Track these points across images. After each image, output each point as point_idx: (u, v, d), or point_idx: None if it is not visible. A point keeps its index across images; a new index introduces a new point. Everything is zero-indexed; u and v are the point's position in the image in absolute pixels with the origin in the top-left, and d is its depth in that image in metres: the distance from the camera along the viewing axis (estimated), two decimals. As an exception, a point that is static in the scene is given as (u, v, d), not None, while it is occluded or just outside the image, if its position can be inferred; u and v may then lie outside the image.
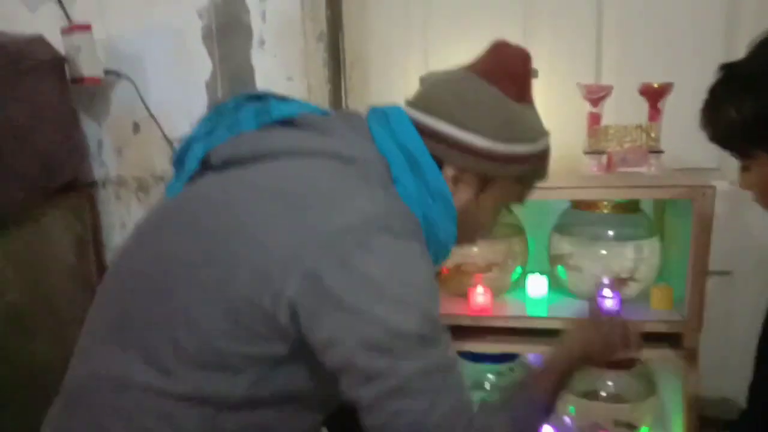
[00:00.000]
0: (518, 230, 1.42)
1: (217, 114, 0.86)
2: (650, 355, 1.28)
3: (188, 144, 0.85)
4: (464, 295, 1.36)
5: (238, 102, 0.86)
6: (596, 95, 1.32)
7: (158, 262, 0.78)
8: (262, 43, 1.58)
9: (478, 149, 0.82)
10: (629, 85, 1.31)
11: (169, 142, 1.66)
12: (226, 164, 0.81)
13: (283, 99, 0.88)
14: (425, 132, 0.83)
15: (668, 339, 1.24)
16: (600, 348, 0.97)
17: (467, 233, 0.90)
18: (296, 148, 0.80)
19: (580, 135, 1.36)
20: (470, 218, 0.87)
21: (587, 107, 1.34)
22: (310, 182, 0.76)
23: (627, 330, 0.99)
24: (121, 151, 1.72)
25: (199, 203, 0.80)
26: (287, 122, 0.83)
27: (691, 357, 1.21)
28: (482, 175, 0.84)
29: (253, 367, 0.75)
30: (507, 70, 0.83)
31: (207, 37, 1.61)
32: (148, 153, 1.70)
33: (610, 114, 1.36)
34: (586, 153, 1.34)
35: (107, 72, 1.62)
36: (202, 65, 1.63)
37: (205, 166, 0.83)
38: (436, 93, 0.85)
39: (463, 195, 0.85)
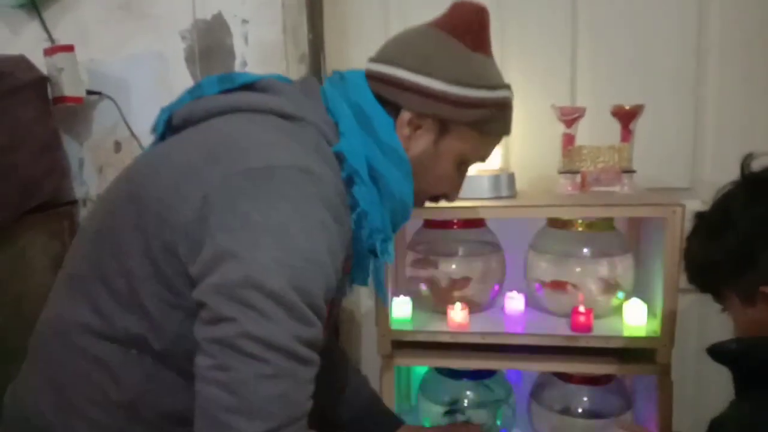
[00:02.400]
0: (495, 248, 1.44)
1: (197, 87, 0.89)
2: (625, 371, 1.30)
3: (162, 112, 0.88)
4: (443, 312, 1.38)
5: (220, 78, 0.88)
6: (570, 117, 1.35)
7: (104, 215, 0.81)
8: (244, 65, 1.61)
9: (433, 91, 0.83)
10: (602, 107, 1.35)
11: (150, 161, 1.67)
12: (185, 125, 0.83)
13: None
14: (381, 80, 0.85)
15: (642, 354, 1.27)
16: None
17: (427, 186, 0.90)
18: (242, 105, 0.81)
19: (555, 155, 1.40)
20: (429, 170, 0.88)
21: (561, 128, 1.37)
22: (234, 133, 0.77)
23: None
24: (102, 170, 1.72)
25: (144, 159, 0.83)
26: (248, 87, 0.84)
27: (665, 372, 1.24)
28: (440, 120, 0.85)
29: (178, 318, 0.74)
30: (464, 22, 0.86)
31: (190, 59, 1.63)
32: (130, 172, 1.70)
33: (584, 135, 1.39)
34: (561, 173, 1.38)
35: (89, 92, 1.63)
36: (185, 86, 1.60)
37: (172, 129, 0.85)
38: (393, 45, 0.88)
39: (420, 141, 0.86)
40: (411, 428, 1.18)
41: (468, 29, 0.86)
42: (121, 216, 0.77)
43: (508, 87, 0.90)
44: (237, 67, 1.60)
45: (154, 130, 0.89)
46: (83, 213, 1.74)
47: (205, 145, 0.76)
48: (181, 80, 1.63)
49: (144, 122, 1.67)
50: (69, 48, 1.55)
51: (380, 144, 0.82)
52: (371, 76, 0.86)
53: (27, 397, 0.82)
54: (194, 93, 0.86)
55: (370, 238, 0.85)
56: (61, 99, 1.55)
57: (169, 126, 0.86)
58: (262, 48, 1.59)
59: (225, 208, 0.69)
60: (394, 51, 0.87)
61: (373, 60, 0.88)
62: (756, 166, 0.83)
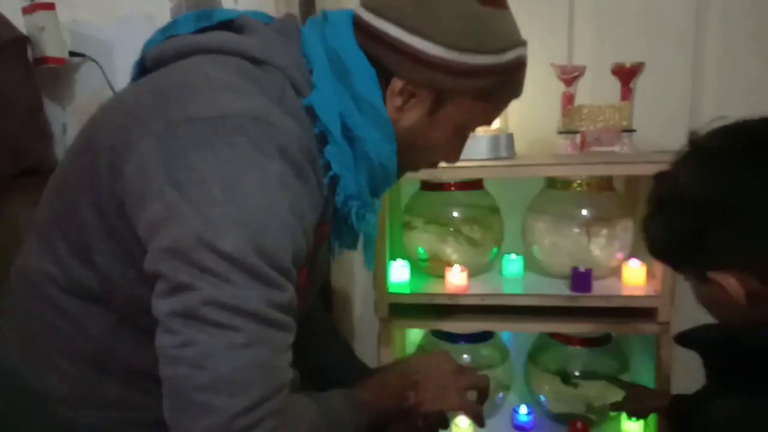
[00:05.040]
0: (494, 211, 1.42)
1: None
2: (625, 330, 1.30)
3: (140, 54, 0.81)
4: (441, 275, 1.36)
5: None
6: (570, 75, 1.33)
7: (64, 164, 0.76)
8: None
9: (429, 58, 0.71)
10: (602, 65, 1.33)
11: (137, 126, 1.63)
12: (157, 65, 0.75)
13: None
14: (372, 36, 0.73)
15: (642, 314, 1.26)
16: (435, 387, 0.87)
17: (418, 156, 0.81)
18: (210, 45, 0.72)
19: (555, 116, 1.37)
20: (424, 140, 0.78)
21: (561, 87, 1.35)
22: (190, 76, 0.68)
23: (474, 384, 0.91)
24: (88, 136, 1.67)
25: (105, 104, 0.76)
26: (226, 25, 0.76)
27: (665, 331, 1.24)
28: (436, 90, 0.74)
29: (132, 277, 0.68)
30: None
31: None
32: (115, 138, 1.66)
33: (584, 94, 1.37)
34: (560, 133, 1.36)
35: (72, 54, 1.57)
36: (172, 48, 1.59)
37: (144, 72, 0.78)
38: None
39: (413, 112, 0.75)
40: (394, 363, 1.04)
41: None
42: (78, 164, 0.72)
43: (521, 44, 0.76)
44: (226, 28, 1.56)
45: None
46: (68, 180, 1.70)
47: (157, 88, 0.69)
48: (168, 41, 1.58)
49: (129, 85, 1.62)
50: (50, 6, 1.48)
51: (357, 99, 0.73)
52: (360, 27, 0.74)
53: (2, 348, 0.79)
54: (167, 31, 0.77)
55: (345, 205, 0.76)
56: (43, 60, 1.49)
57: (143, 68, 0.78)
58: (253, 8, 1.53)
59: (169, 159, 0.61)
60: (392, 3, 0.73)
61: (365, 6, 0.75)
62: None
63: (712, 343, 0.73)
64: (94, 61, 1.60)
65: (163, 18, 1.56)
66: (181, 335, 0.59)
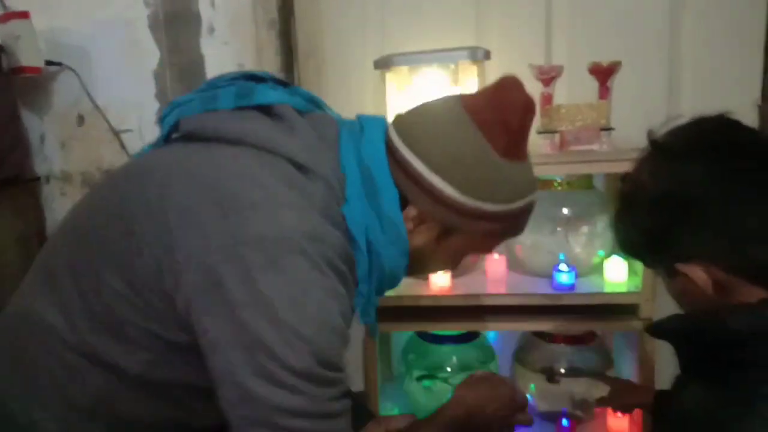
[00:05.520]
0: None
1: (210, 86, 0.83)
2: (608, 327, 1.31)
3: (171, 108, 0.83)
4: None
5: (234, 79, 0.83)
6: (547, 75, 1.34)
7: (90, 220, 0.78)
8: (211, 30, 1.55)
9: (445, 198, 0.76)
10: (580, 65, 1.34)
11: (116, 134, 1.61)
12: (190, 137, 0.79)
13: (285, 86, 0.85)
14: (399, 163, 0.78)
15: (624, 311, 1.27)
16: (492, 405, 0.95)
17: (423, 269, 0.88)
18: (253, 140, 0.76)
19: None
20: (427, 258, 0.83)
21: (539, 88, 1.36)
22: (245, 182, 0.72)
23: (516, 394, 0.99)
24: (65, 145, 1.65)
25: (145, 174, 0.77)
26: (264, 109, 0.79)
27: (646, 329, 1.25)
28: (446, 225, 0.79)
29: (150, 345, 0.73)
30: (501, 120, 0.75)
31: (154, 25, 1.57)
32: (94, 146, 1.64)
33: (562, 94, 1.38)
34: (540, 133, 1.36)
35: (48, 63, 1.55)
36: (150, 54, 1.58)
37: (178, 135, 0.82)
38: (420, 126, 0.79)
39: (422, 237, 0.80)
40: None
41: (505, 132, 0.76)
42: (107, 229, 0.74)
43: (533, 191, 0.81)
44: (203, 34, 1.55)
45: (159, 122, 0.86)
46: (46, 190, 1.68)
47: (212, 190, 0.71)
48: (146, 48, 1.57)
49: (108, 94, 1.61)
50: (24, 15, 1.47)
51: (382, 217, 0.77)
52: (390, 149, 0.78)
53: None
54: (208, 104, 0.80)
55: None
56: (18, 69, 1.48)
57: (175, 127, 0.82)
58: (230, 13, 1.54)
59: (237, 279, 0.66)
60: (421, 136, 0.77)
61: (398, 128, 0.80)
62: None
63: (683, 333, 0.74)
64: (71, 69, 1.59)
65: (139, 24, 1.56)
66: None
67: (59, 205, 1.68)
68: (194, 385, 0.76)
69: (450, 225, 0.79)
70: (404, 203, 0.78)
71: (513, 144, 0.77)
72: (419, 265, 0.84)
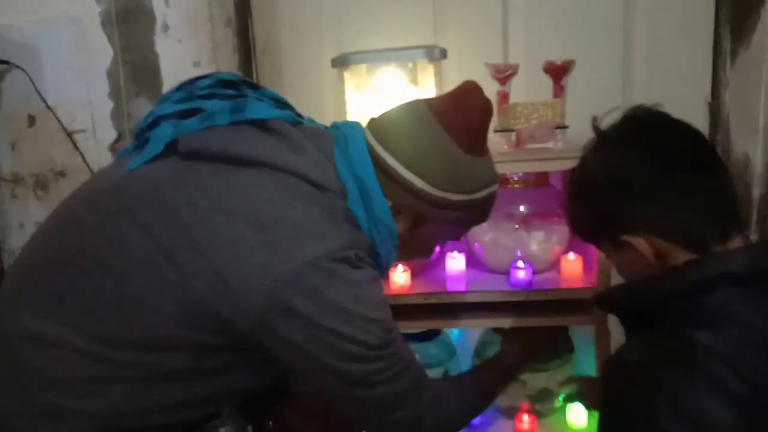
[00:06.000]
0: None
1: (188, 95, 0.86)
2: (564, 322, 1.33)
3: (155, 120, 0.85)
4: (385, 277, 1.36)
5: (210, 86, 0.87)
6: (503, 74, 1.35)
7: (113, 246, 0.79)
8: (165, 28, 1.52)
9: (416, 190, 0.87)
10: (535, 63, 1.36)
11: (68, 134, 1.57)
12: (193, 155, 0.81)
13: (255, 88, 0.91)
14: (377, 162, 0.87)
15: (580, 306, 1.29)
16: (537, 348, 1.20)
17: (402, 256, 0.97)
18: (268, 160, 0.81)
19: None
20: (403, 246, 0.93)
21: (496, 86, 1.37)
22: (278, 207, 0.79)
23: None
24: (16, 146, 1.60)
25: (163, 198, 0.79)
26: (259, 124, 0.84)
27: (602, 321, 1.27)
28: (417, 214, 0.90)
29: (191, 348, 0.80)
30: (463, 120, 0.87)
31: (106, 23, 1.53)
32: (46, 147, 1.59)
33: (519, 92, 1.40)
34: (496, 131, 1.37)
35: (-4, 61, 1.51)
36: (102, 53, 1.54)
37: (169, 148, 0.83)
38: (392, 127, 0.89)
39: (398, 226, 0.90)
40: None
41: (467, 130, 0.87)
42: (148, 268, 0.77)
43: (494, 182, 0.93)
44: (158, 32, 1.52)
45: (138, 134, 0.88)
46: (-4, 193, 1.63)
47: (251, 218, 0.77)
48: (99, 46, 1.53)
49: (59, 93, 1.56)
50: (-31, 12, 1.42)
51: (376, 221, 0.87)
52: (370, 153, 0.88)
53: None
54: (205, 121, 0.83)
55: None
56: (-36, 68, 1.43)
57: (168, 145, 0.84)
58: (185, 10, 1.51)
59: (305, 298, 0.76)
60: (392, 135, 0.89)
61: (374, 132, 0.90)
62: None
63: (625, 299, 0.84)
64: (20, 68, 1.54)
65: (90, 22, 1.53)
66: (362, 394, 0.84)
67: (10, 208, 1.63)
68: (224, 378, 0.85)
69: (421, 214, 0.90)
70: None
71: (474, 141, 0.89)
72: (400, 253, 0.94)
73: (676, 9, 1.49)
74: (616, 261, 0.88)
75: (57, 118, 1.56)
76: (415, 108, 0.90)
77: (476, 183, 0.90)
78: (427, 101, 0.91)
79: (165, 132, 0.84)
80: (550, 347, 1.26)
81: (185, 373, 0.81)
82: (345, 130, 0.91)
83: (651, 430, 0.68)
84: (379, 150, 0.88)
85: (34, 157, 1.60)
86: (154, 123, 0.86)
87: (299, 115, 0.93)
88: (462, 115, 0.87)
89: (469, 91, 0.89)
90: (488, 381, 1.08)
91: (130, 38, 1.53)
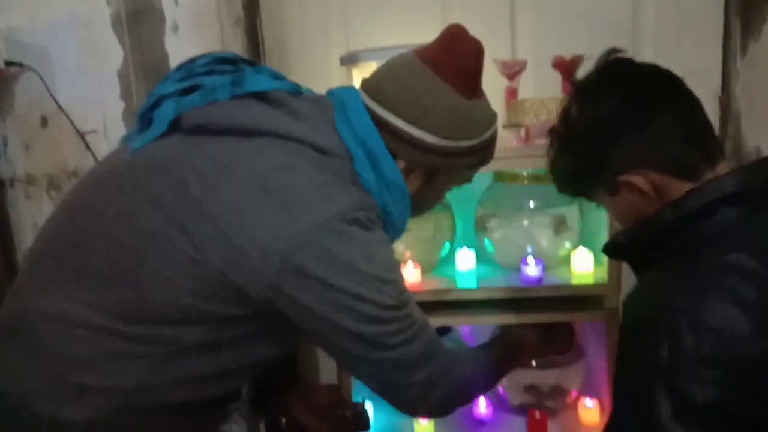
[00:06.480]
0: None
1: (187, 73, 0.86)
2: (575, 318, 1.33)
3: (157, 100, 0.85)
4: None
5: (208, 63, 0.87)
6: (512, 70, 1.35)
7: (125, 222, 0.80)
8: (175, 28, 1.53)
9: (428, 145, 0.87)
10: (544, 59, 1.35)
11: (80, 135, 1.58)
12: (197, 130, 0.82)
13: (253, 66, 0.90)
14: (379, 124, 0.87)
15: (591, 302, 1.29)
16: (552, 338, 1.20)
17: (416, 212, 0.97)
18: (271, 129, 0.82)
19: (499, 110, 1.38)
20: (419, 200, 0.94)
21: (504, 82, 1.37)
22: (288, 174, 0.79)
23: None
24: (30, 148, 1.62)
25: (172, 172, 0.80)
26: (260, 96, 0.85)
27: (613, 317, 1.27)
28: (431, 168, 0.90)
29: (209, 321, 0.80)
30: (459, 67, 0.86)
31: (116, 24, 1.54)
32: (59, 148, 1.61)
33: (527, 88, 1.39)
34: (505, 127, 1.37)
35: (8, 63, 1.52)
36: (113, 54, 1.56)
37: (173, 126, 0.84)
38: (390, 86, 0.88)
39: (413, 184, 0.91)
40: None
41: (463, 75, 0.87)
42: (161, 242, 0.78)
43: (494, 120, 0.94)
44: (167, 32, 1.53)
45: (142, 116, 0.87)
46: (11, 194, 1.64)
47: (261, 185, 0.78)
48: (109, 48, 1.54)
49: (71, 94, 1.58)
50: (-19, 15, 1.44)
51: (387, 182, 0.87)
52: (371, 116, 0.88)
53: (12, 377, 0.81)
54: (206, 97, 0.84)
55: None
56: (-23, 71, 1.45)
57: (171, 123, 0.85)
58: (194, 10, 1.52)
59: (318, 259, 0.76)
60: (392, 94, 0.87)
61: (368, 93, 0.89)
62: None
63: (633, 240, 0.85)
64: (32, 70, 1.56)
65: (101, 23, 1.54)
66: (380, 356, 0.84)
67: (24, 208, 1.65)
68: (243, 350, 0.85)
69: (435, 167, 0.90)
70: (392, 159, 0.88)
71: (473, 85, 0.88)
72: (415, 209, 0.94)
73: (685, 2, 1.48)
74: (613, 207, 0.89)
75: (69, 119, 1.58)
76: (408, 62, 0.89)
77: (481, 125, 0.91)
78: (418, 53, 0.89)
79: (167, 110, 0.84)
80: (566, 340, 1.26)
81: (204, 346, 0.81)
82: (341, 96, 0.90)
83: (674, 348, 0.69)
84: (381, 112, 0.87)
85: (47, 158, 1.62)
86: (156, 103, 0.86)
87: (298, 86, 0.93)
88: (457, 62, 0.86)
89: (457, 35, 0.88)
90: (499, 357, 1.07)
91: (140, 39, 1.54)
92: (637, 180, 0.81)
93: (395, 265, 0.86)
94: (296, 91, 0.90)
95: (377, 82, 0.90)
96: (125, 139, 0.91)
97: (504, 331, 1.22)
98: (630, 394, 0.75)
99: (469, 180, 1.00)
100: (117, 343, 0.78)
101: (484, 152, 0.94)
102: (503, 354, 1.09)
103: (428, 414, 0.97)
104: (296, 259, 0.75)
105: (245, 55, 1.55)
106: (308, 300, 0.78)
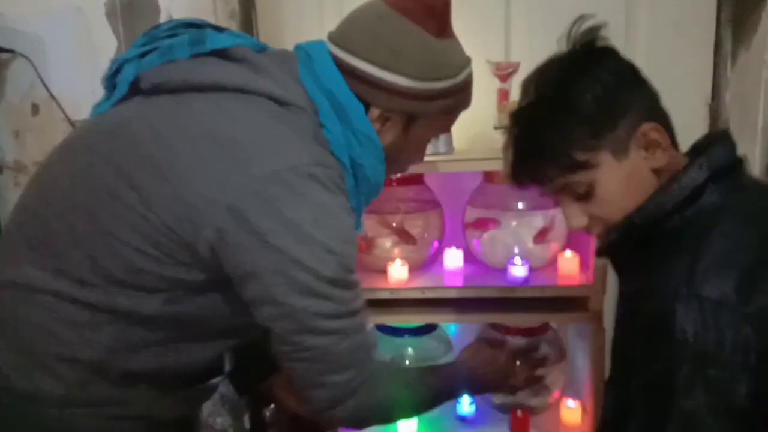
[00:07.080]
0: (434, 205, 1.44)
1: (151, 38, 0.85)
2: (559, 320, 1.34)
3: (120, 65, 0.84)
4: (383, 270, 1.37)
5: (172, 28, 0.85)
6: (504, 72, 1.36)
7: (80, 183, 0.79)
8: (170, 20, 1.53)
9: (402, 89, 0.83)
10: (536, 61, 1.36)
11: (71, 124, 1.58)
12: (156, 90, 0.81)
13: (219, 29, 0.87)
14: (349, 73, 0.84)
15: (576, 303, 1.30)
16: (493, 371, 1.09)
17: (396, 166, 0.94)
18: (229, 83, 0.80)
19: (491, 111, 1.40)
20: (398, 153, 0.90)
21: (497, 83, 1.38)
22: (242, 125, 0.77)
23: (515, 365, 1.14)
24: (20, 135, 1.62)
25: (126, 131, 0.79)
26: (221, 53, 0.82)
27: (597, 319, 1.28)
28: (408, 114, 0.86)
29: (168, 288, 0.78)
30: (427, 6, 0.82)
31: (111, 14, 1.54)
32: (50, 136, 1.60)
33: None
34: (497, 128, 1.38)
35: (1, 50, 1.52)
36: (107, 43, 1.55)
37: (135, 89, 0.83)
38: (358, 32, 0.84)
39: (390, 133, 0.87)
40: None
41: (431, 14, 0.83)
42: (112, 199, 0.76)
43: (468, 63, 0.89)
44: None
45: (106, 83, 0.86)
46: (1, 181, 1.64)
47: (211, 138, 0.76)
48: (103, 37, 1.54)
49: (63, 83, 1.57)
50: (-26, 0, 1.43)
51: (356, 133, 0.84)
52: (340, 66, 0.84)
53: None
54: (165, 56, 0.82)
55: None
56: (-32, 56, 1.44)
57: (133, 86, 0.83)
58: (189, 2, 1.52)
59: (261, 212, 0.73)
60: (360, 41, 0.83)
61: (335, 42, 0.85)
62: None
63: (625, 233, 0.81)
64: (24, 57, 1.55)
65: (94, 11, 1.53)
66: (301, 341, 0.78)
67: (13, 195, 1.64)
68: (205, 321, 0.83)
69: (411, 113, 0.86)
70: (365, 108, 0.85)
71: (443, 24, 0.85)
72: (394, 164, 0.91)
73: (677, 10, 1.49)
74: (613, 178, 0.80)
75: (61, 107, 1.58)
76: (374, 8, 0.85)
77: (455, 65, 0.86)
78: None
79: (128, 74, 0.83)
80: (510, 384, 1.14)
81: (164, 318, 0.80)
82: (307, 49, 0.87)
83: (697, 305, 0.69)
84: (351, 60, 0.83)
85: (38, 146, 1.61)
86: (118, 70, 0.85)
87: (263, 45, 0.90)
88: (424, 1, 0.82)
89: None
90: (432, 385, 0.99)
91: (134, 29, 1.54)
92: (655, 128, 0.78)
93: (349, 240, 0.79)
94: (260, 47, 0.88)
95: (344, 31, 0.86)
96: (94, 107, 0.90)
97: (459, 360, 1.12)
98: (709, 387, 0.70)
99: (447, 129, 0.97)
100: (78, 311, 0.77)
101: (459, 95, 0.89)
102: (435, 383, 1.00)
103: (337, 422, 0.88)
104: (239, 210, 0.72)
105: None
106: (245, 256, 0.74)
